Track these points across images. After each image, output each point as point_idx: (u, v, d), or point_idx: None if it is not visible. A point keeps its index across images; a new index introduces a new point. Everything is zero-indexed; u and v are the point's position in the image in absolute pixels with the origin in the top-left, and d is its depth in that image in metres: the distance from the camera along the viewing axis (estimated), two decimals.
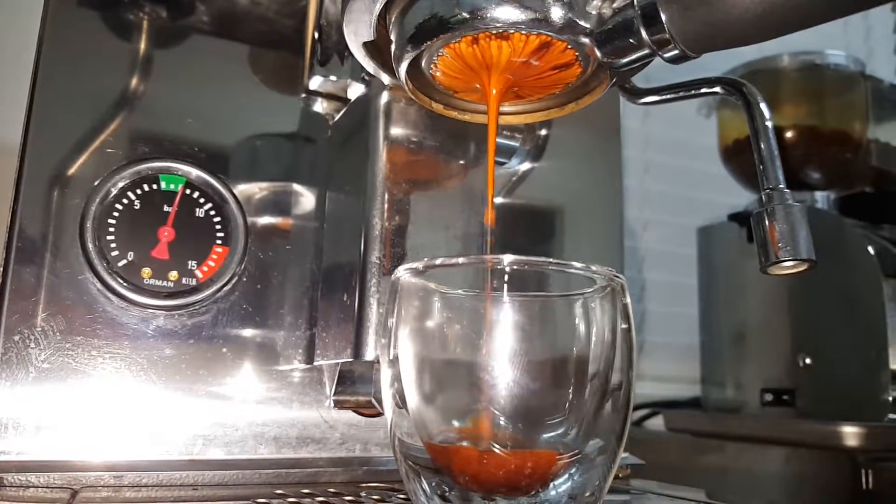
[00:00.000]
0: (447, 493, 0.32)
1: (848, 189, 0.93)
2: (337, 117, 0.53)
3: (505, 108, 0.42)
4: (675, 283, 1.05)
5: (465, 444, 0.32)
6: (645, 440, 0.86)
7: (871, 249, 0.77)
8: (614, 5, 0.33)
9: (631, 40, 0.33)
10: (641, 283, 1.08)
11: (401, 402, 0.33)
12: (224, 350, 0.48)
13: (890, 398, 0.73)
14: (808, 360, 0.81)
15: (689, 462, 0.84)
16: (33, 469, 0.42)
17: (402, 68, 0.38)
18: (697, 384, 0.96)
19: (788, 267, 0.41)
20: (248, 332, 0.49)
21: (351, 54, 0.45)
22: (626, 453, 0.56)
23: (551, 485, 0.31)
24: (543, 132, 0.59)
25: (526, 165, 0.58)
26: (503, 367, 0.31)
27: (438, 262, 0.34)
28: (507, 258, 0.32)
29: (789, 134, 0.91)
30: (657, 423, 0.95)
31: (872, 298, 0.76)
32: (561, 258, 0.33)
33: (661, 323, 1.06)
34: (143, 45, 0.50)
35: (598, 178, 0.63)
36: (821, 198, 0.91)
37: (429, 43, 0.36)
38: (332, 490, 0.45)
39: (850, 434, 0.69)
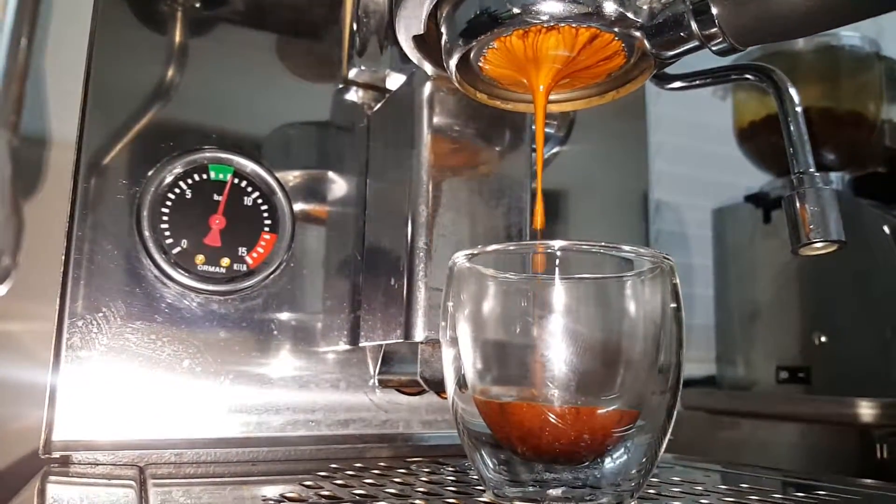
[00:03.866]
0: (508, 461, 0.34)
1: (861, 170, 0.94)
2: (376, 107, 0.54)
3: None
4: (690, 265, 1.07)
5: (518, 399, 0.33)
6: None
7: (886, 229, 0.79)
8: (663, 0, 0.35)
9: (681, 34, 0.34)
10: None
11: (461, 380, 0.35)
12: (275, 332, 0.50)
13: None
14: (822, 339, 0.83)
15: (705, 439, 0.86)
16: (100, 448, 0.44)
17: (453, 62, 0.39)
18: (712, 363, 0.98)
19: (819, 248, 0.43)
20: (296, 316, 0.51)
21: (390, 44, 0.46)
22: None
23: (608, 458, 0.33)
24: (571, 115, 0.60)
25: (554, 150, 0.59)
26: (557, 346, 0.33)
27: (491, 248, 0.36)
28: (558, 243, 0.34)
29: None
30: None
31: (887, 277, 0.78)
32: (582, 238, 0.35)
33: None
34: (186, 39, 0.51)
35: (621, 159, 0.64)
36: (835, 178, 0.92)
37: (481, 38, 0.37)
38: (382, 464, 0.47)
39: (866, 409, 0.71)
